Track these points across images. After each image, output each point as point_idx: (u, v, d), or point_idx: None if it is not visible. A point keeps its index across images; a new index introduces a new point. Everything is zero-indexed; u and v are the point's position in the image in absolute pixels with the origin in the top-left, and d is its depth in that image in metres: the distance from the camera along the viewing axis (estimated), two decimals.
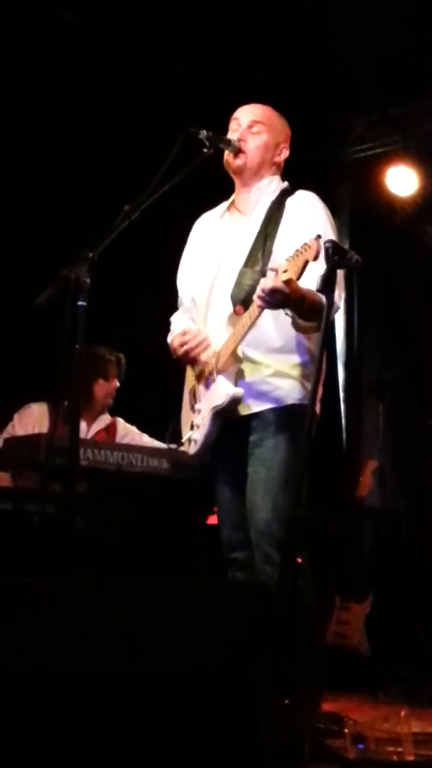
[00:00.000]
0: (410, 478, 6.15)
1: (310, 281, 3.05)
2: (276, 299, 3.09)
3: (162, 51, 5.52)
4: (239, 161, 3.46)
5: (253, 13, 5.28)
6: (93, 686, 2.11)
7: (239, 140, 3.45)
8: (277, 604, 2.59)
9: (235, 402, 3.34)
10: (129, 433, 4.81)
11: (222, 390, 3.35)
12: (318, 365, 2.91)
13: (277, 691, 2.31)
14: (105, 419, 4.81)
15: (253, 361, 3.36)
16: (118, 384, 4.84)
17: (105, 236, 3.21)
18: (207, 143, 3.36)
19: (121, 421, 4.85)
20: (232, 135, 3.47)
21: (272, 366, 3.35)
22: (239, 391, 3.34)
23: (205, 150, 3.36)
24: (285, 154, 3.55)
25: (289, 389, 3.34)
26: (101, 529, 3.86)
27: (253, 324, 3.25)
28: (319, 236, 2.99)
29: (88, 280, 3.11)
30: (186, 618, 2.18)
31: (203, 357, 3.42)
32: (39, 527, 3.47)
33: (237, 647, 2.14)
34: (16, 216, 5.17)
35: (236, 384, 3.36)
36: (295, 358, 3.36)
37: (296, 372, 3.35)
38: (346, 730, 3.25)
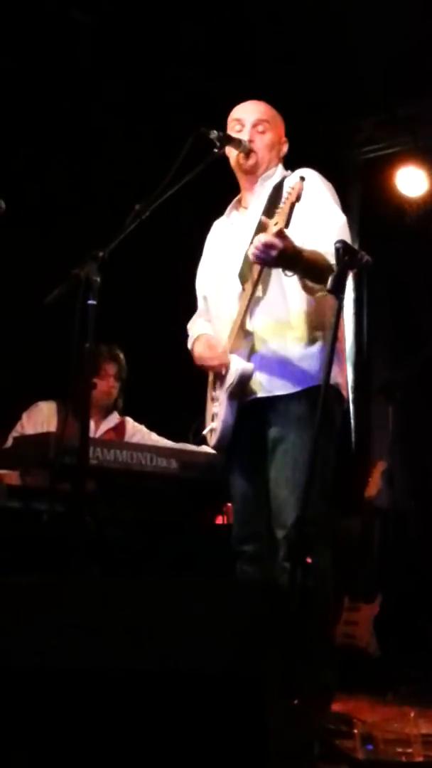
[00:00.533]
0: (419, 478, 6.13)
1: (310, 241, 3.07)
2: (271, 255, 3.06)
3: (167, 51, 5.51)
4: (251, 161, 3.46)
5: (259, 12, 5.26)
6: (99, 686, 2.11)
7: (249, 141, 3.45)
8: (287, 603, 2.59)
9: (245, 377, 3.26)
10: (138, 432, 4.79)
11: (233, 367, 3.29)
12: (333, 334, 2.85)
13: (286, 690, 2.30)
14: (114, 418, 4.80)
15: (263, 335, 3.30)
16: (115, 382, 4.81)
17: (115, 235, 3.21)
18: (218, 143, 3.36)
19: (130, 421, 4.83)
20: (240, 135, 3.46)
21: (285, 340, 3.28)
22: (248, 365, 3.27)
23: (215, 150, 3.36)
24: (286, 147, 3.56)
25: (304, 366, 3.26)
26: (109, 528, 3.86)
27: (255, 287, 3.22)
28: (302, 178, 3.03)
29: (98, 279, 3.11)
30: (194, 617, 2.17)
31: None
32: (48, 526, 3.48)
33: (245, 646, 2.13)
34: (26, 215, 5.17)
35: (249, 360, 3.29)
36: (308, 332, 3.28)
37: (310, 348, 3.28)
38: (355, 731, 3.25)
